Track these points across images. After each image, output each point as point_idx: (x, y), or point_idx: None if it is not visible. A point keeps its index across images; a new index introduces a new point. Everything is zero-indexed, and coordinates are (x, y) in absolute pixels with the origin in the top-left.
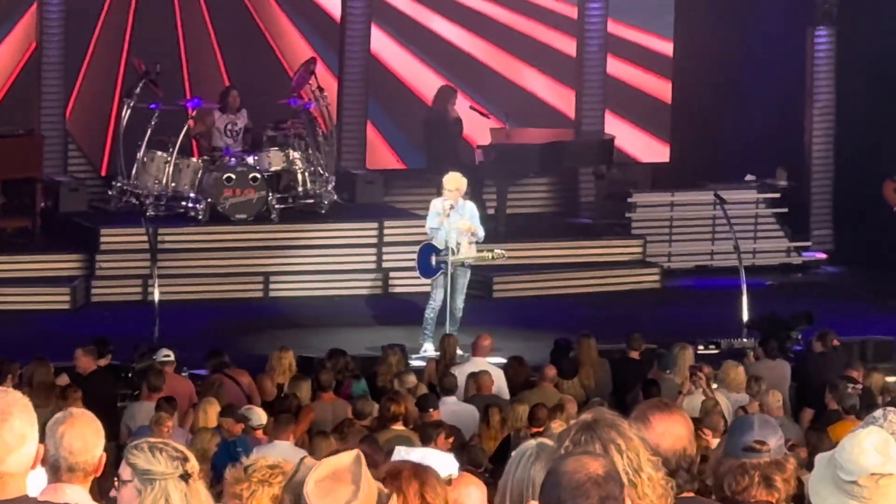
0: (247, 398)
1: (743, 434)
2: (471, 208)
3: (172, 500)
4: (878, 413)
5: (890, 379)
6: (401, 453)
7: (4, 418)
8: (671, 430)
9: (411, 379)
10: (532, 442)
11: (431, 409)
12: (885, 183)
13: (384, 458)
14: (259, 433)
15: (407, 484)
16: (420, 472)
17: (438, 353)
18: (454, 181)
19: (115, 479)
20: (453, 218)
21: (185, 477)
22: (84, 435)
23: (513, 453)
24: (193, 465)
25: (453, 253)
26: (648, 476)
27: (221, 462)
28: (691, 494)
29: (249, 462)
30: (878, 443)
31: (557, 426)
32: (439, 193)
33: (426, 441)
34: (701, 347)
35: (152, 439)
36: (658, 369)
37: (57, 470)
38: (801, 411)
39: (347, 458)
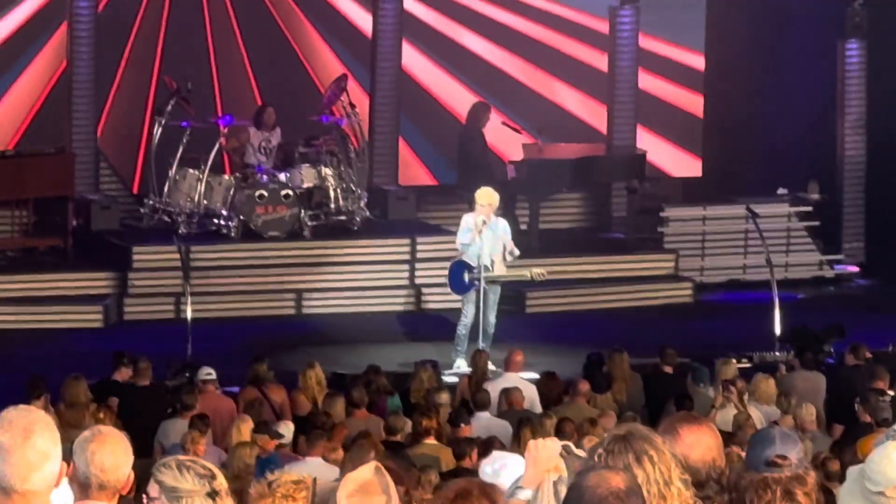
0: (276, 416)
1: (764, 448)
2: (503, 225)
3: None
4: None
5: None
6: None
7: (27, 436)
8: (701, 442)
9: (444, 396)
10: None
11: (463, 425)
12: None
13: (416, 473)
14: (288, 449)
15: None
16: (489, 492)
17: (471, 369)
18: (487, 196)
19: (144, 496)
20: (486, 234)
21: (213, 494)
22: (115, 452)
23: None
24: (221, 482)
25: (487, 270)
26: (678, 490)
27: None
28: None
29: (274, 477)
30: None
31: (588, 442)
32: (471, 209)
33: (460, 457)
34: (735, 361)
35: (181, 457)
36: (692, 383)
37: (87, 488)
38: (831, 425)
39: (368, 470)
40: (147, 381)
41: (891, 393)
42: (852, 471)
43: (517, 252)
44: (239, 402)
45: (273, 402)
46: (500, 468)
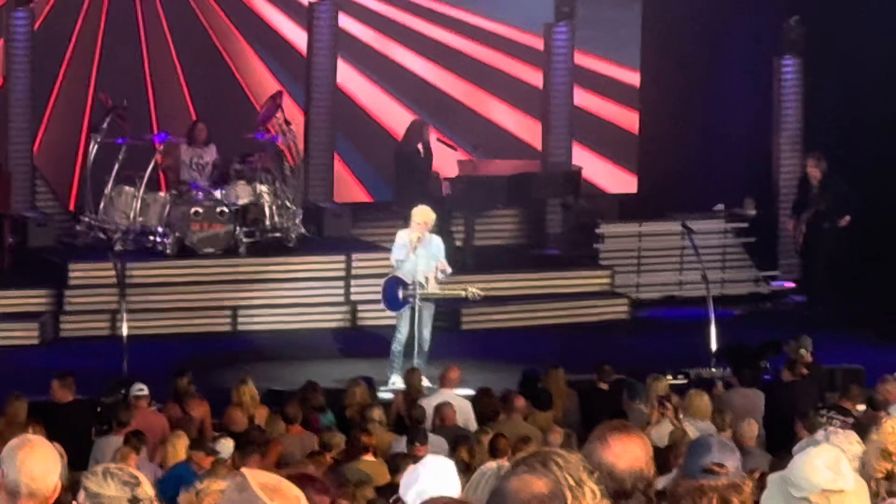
0: (197, 431)
1: (701, 456)
2: (437, 242)
3: None
4: (820, 434)
5: (860, 407)
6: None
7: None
8: (628, 451)
9: (377, 412)
10: (493, 464)
11: (418, 444)
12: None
13: (352, 488)
14: (228, 464)
15: None
16: None
17: (405, 387)
18: (423, 214)
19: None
20: (420, 251)
21: (135, 501)
22: (44, 460)
23: (474, 475)
24: (145, 491)
25: (421, 287)
26: (591, 490)
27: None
28: None
29: (202, 486)
30: (829, 460)
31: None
32: (407, 225)
33: (395, 472)
34: (670, 377)
35: (111, 465)
36: (627, 400)
37: (16, 496)
38: (770, 442)
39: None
40: (71, 398)
41: (860, 408)
42: (773, 478)
43: (449, 270)
44: (180, 419)
45: (192, 418)
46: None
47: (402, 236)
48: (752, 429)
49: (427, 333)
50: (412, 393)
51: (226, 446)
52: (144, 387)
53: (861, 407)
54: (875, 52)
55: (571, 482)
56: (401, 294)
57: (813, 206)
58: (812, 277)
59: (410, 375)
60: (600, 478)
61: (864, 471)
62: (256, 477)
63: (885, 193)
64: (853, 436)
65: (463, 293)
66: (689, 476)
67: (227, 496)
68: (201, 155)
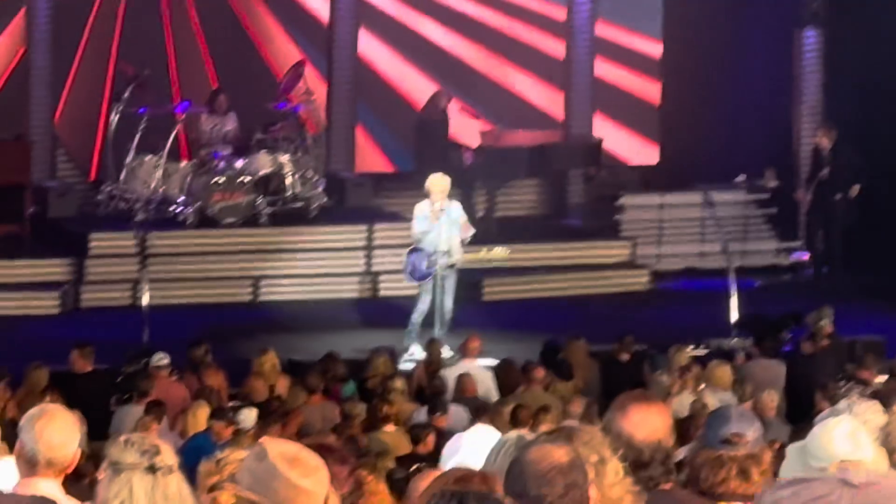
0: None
1: (720, 426)
2: (457, 207)
3: (135, 492)
4: (843, 405)
5: (880, 378)
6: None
7: None
8: (647, 421)
9: (399, 383)
10: (513, 434)
11: (439, 414)
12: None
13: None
14: (251, 434)
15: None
16: (488, 480)
17: (426, 357)
18: (442, 182)
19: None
20: (442, 219)
21: (152, 469)
22: (62, 429)
23: (493, 445)
24: (165, 459)
25: (445, 255)
26: (615, 469)
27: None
28: (668, 486)
29: (223, 455)
30: (848, 431)
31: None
32: (425, 196)
33: (415, 442)
34: (691, 348)
35: (133, 434)
36: (648, 371)
37: (34, 465)
38: (790, 413)
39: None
40: (90, 368)
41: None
42: (793, 448)
43: (472, 230)
44: (201, 389)
45: (212, 388)
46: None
47: (422, 208)
48: (772, 399)
49: (450, 303)
50: (433, 363)
51: (248, 416)
52: (165, 356)
53: (881, 378)
54: (893, 22)
55: (595, 459)
56: (425, 264)
57: (823, 176)
58: (827, 247)
59: (431, 346)
60: (623, 453)
61: (888, 441)
62: (276, 446)
63: None
64: (877, 406)
65: (486, 254)
66: (709, 446)
67: (246, 465)
68: (222, 124)
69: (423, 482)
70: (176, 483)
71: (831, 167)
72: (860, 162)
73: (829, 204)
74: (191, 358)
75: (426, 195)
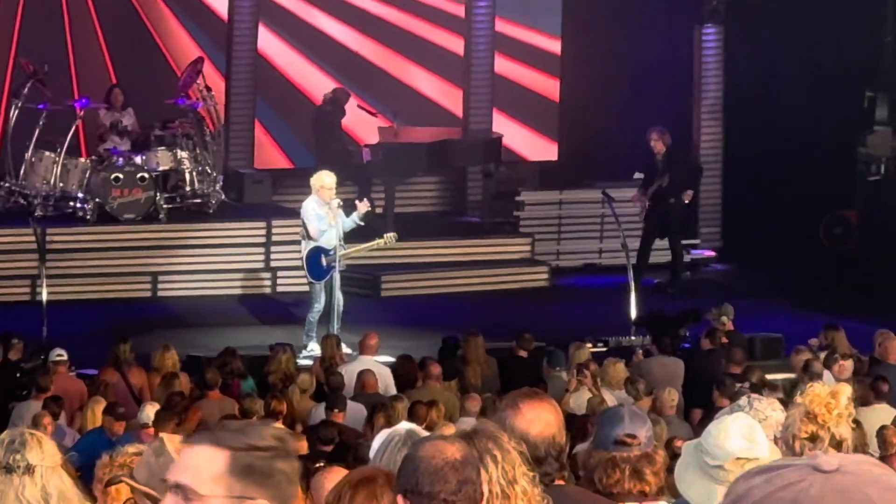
0: (135, 399)
1: (613, 427)
2: (337, 200)
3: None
4: (744, 401)
5: (779, 376)
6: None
7: None
8: (540, 417)
9: (305, 378)
10: (401, 428)
11: (336, 410)
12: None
13: None
14: (150, 431)
15: (381, 492)
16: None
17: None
18: (331, 178)
19: None
20: (338, 213)
21: (8, 470)
22: None
23: (382, 439)
24: (27, 458)
25: (341, 249)
26: (523, 489)
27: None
28: (562, 482)
29: (117, 451)
30: (743, 428)
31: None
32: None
33: (325, 442)
34: (590, 346)
35: (13, 431)
36: (548, 367)
37: None
38: (689, 410)
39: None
40: None
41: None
42: (688, 445)
43: (368, 206)
44: (98, 384)
45: (133, 385)
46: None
47: (314, 207)
48: (672, 397)
49: (340, 295)
50: (329, 359)
51: (147, 412)
52: (63, 352)
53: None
54: (791, 20)
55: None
56: (324, 261)
57: (657, 180)
58: (673, 253)
59: (327, 342)
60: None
61: (787, 432)
62: (174, 442)
63: (805, 163)
64: (776, 403)
65: (382, 242)
66: (601, 447)
67: (144, 460)
68: (120, 119)
69: (328, 480)
70: (33, 483)
71: (665, 172)
72: (695, 167)
73: (663, 209)
74: (115, 354)
75: (315, 192)
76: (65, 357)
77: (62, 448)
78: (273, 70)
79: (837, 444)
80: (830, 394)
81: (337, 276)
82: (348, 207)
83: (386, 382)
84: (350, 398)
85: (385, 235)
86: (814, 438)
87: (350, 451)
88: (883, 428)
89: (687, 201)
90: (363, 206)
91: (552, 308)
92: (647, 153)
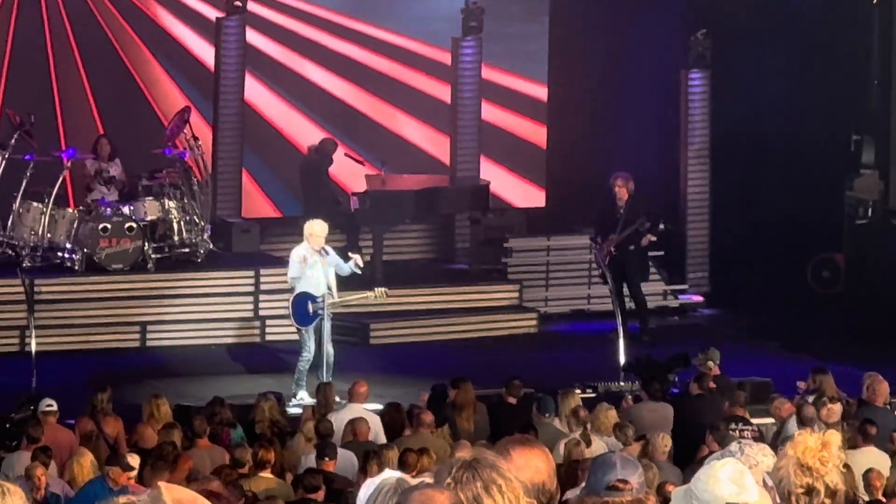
0: (111, 449)
1: (605, 473)
2: (331, 249)
3: None
4: (734, 447)
5: (767, 420)
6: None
7: None
8: (530, 464)
9: (310, 426)
10: (392, 478)
11: (328, 458)
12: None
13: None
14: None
15: None
16: None
17: (315, 401)
18: (322, 226)
19: None
20: (319, 263)
21: None
22: None
23: (372, 488)
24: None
25: (329, 297)
26: None
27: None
28: None
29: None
30: (732, 473)
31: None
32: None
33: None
34: (579, 392)
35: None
36: (537, 413)
37: None
38: (679, 454)
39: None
40: None
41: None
42: (678, 491)
43: (361, 263)
44: (89, 434)
45: (106, 435)
46: None
47: (300, 253)
48: (664, 443)
49: (331, 347)
50: (326, 408)
51: (134, 461)
52: (53, 402)
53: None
54: (777, 64)
55: None
56: (311, 308)
57: (620, 226)
58: (636, 301)
59: (325, 390)
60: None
61: (782, 486)
62: (172, 492)
63: (792, 207)
64: (766, 448)
65: (371, 295)
66: (593, 493)
67: None
68: (107, 170)
69: None
70: None
71: (627, 218)
72: (654, 213)
73: (622, 258)
74: (92, 403)
75: (305, 238)
76: (55, 407)
77: (53, 499)
78: (260, 119)
79: (832, 494)
80: (822, 444)
81: (327, 327)
82: (341, 257)
83: (376, 430)
84: (340, 446)
85: (375, 290)
86: (810, 491)
87: (342, 500)
88: (868, 471)
89: (645, 245)
90: (357, 261)
91: (541, 354)
92: (609, 199)
